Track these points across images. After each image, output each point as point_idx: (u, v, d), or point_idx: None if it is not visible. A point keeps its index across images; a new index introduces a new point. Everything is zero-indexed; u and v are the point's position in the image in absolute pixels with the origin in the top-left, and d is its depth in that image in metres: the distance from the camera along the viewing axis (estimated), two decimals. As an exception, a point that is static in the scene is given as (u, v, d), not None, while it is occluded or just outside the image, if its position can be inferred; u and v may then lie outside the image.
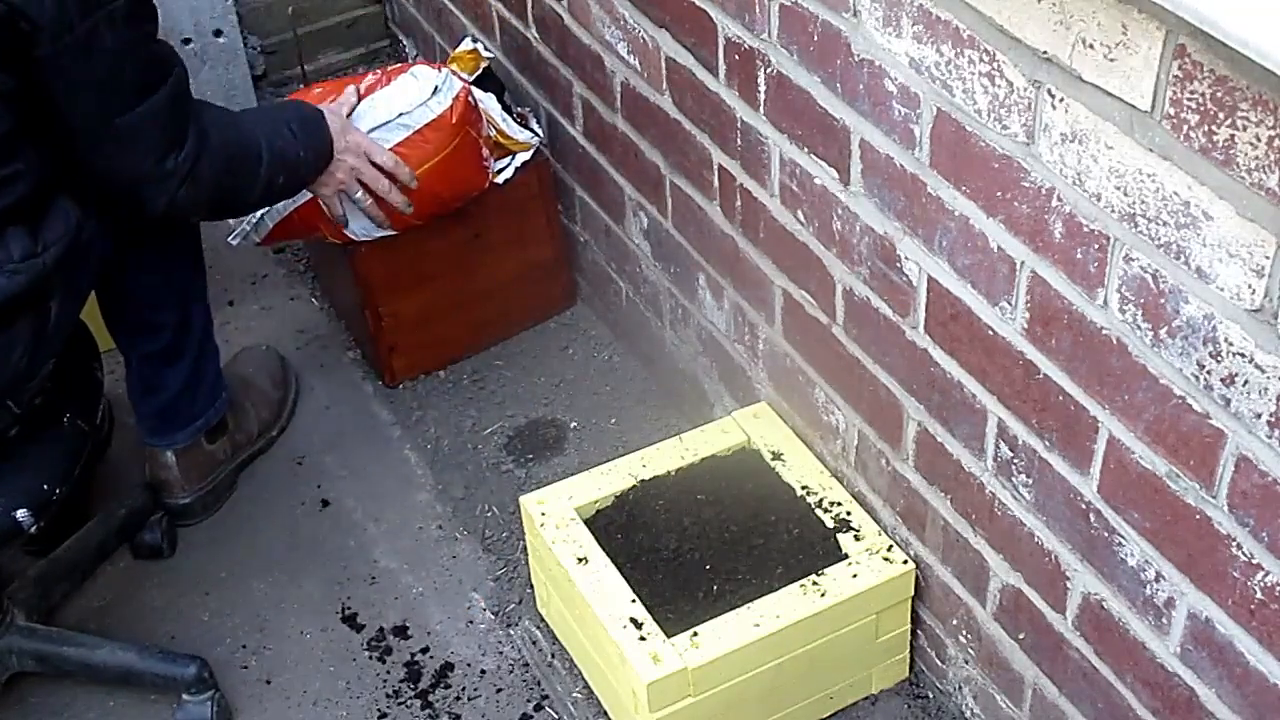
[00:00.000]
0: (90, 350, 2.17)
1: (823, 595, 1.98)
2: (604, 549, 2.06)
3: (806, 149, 1.92)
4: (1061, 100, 1.45)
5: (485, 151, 2.50)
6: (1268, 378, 1.34)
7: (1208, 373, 1.40)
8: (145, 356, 2.31)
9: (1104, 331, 1.52)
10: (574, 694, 2.18)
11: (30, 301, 1.88)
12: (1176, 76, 1.29)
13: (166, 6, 2.26)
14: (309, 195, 2.32)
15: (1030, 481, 1.73)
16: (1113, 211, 1.44)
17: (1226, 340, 1.36)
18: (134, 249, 2.15)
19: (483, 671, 2.23)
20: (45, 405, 2.01)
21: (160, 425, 2.37)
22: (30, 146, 1.83)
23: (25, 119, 1.81)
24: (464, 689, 2.21)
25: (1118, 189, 1.42)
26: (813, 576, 2.00)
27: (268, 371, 2.65)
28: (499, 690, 2.21)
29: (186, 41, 3.13)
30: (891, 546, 2.03)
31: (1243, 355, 1.35)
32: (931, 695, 2.14)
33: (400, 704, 2.20)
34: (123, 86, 1.86)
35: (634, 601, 1.99)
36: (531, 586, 2.30)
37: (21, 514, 1.96)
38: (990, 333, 1.70)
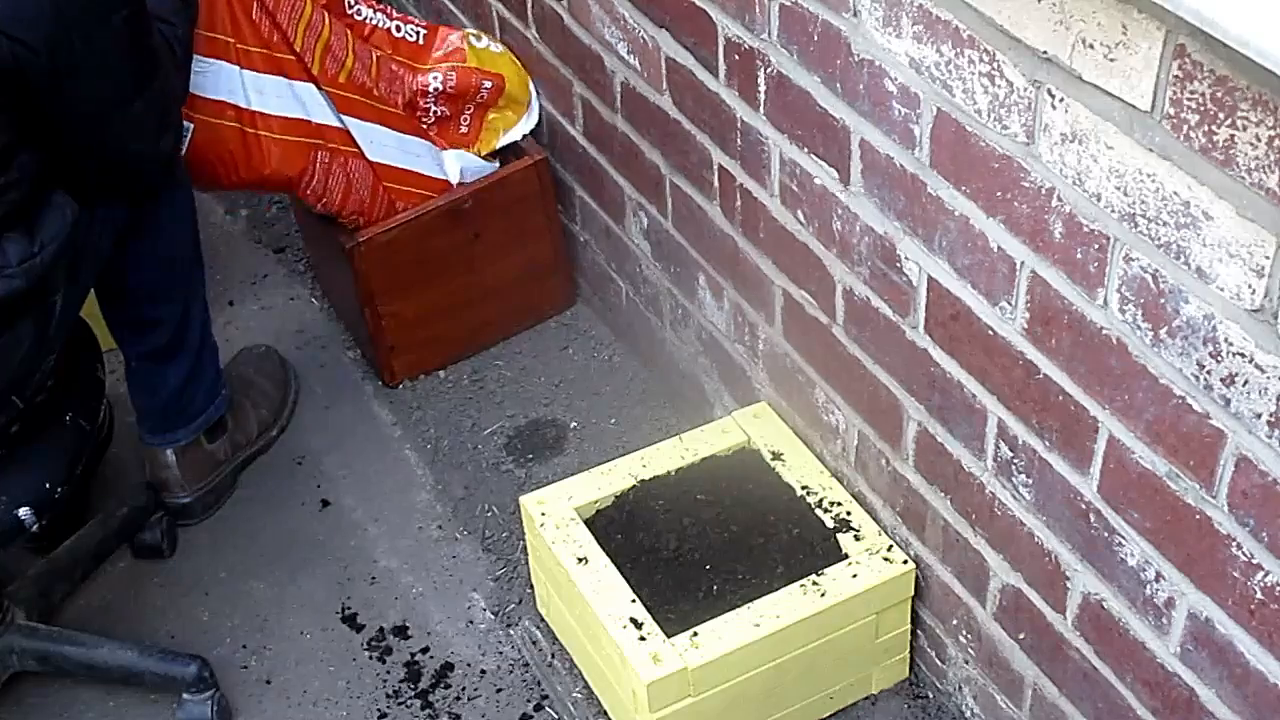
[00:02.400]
0: (92, 350, 2.17)
1: (823, 595, 1.98)
2: (604, 549, 2.06)
3: (806, 149, 1.92)
4: (1061, 100, 1.45)
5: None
6: (1268, 378, 1.34)
7: (1208, 373, 1.40)
8: (145, 354, 2.31)
9: (1104, 331, 1.52)
10: (574, 694, 2.18)
11: (32, 300, 1.88)
12: (1176, 76, 1.29)
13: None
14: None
15: (1030, 481, 1.73)
16: (1113, 211, 1.44)
17: (1226, 340, 1.36)
18: (133, 245, 2.15)
19: (483, 671, 2.23)
20: (48, 404, 2.01)
21: (160, 423, 2.37)
22: (26, 153, 1.84)
23: (23, 129, 1.82)
24: (464, 689, 2.21)
25: (1118, 189, 1.42)
26: (813, 576, 2.00)
27: (267, 371, 2.65)
28: (499, 690, 2.21)
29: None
30: (891, 546, 2.03)
31: (1243, 355, 1.35)
32: (931, 695, 2.14)
33: (400, 704, 2.20)
34: (121, 86, 1.89)
35: (634, 601, 1.99)
36: (531, 586, 2.29)
37: (24, 512, 1.97)
38: (990, 333, 1.70)
